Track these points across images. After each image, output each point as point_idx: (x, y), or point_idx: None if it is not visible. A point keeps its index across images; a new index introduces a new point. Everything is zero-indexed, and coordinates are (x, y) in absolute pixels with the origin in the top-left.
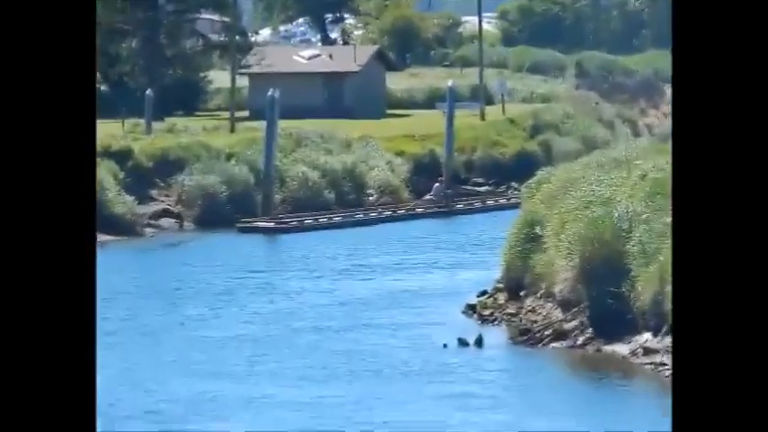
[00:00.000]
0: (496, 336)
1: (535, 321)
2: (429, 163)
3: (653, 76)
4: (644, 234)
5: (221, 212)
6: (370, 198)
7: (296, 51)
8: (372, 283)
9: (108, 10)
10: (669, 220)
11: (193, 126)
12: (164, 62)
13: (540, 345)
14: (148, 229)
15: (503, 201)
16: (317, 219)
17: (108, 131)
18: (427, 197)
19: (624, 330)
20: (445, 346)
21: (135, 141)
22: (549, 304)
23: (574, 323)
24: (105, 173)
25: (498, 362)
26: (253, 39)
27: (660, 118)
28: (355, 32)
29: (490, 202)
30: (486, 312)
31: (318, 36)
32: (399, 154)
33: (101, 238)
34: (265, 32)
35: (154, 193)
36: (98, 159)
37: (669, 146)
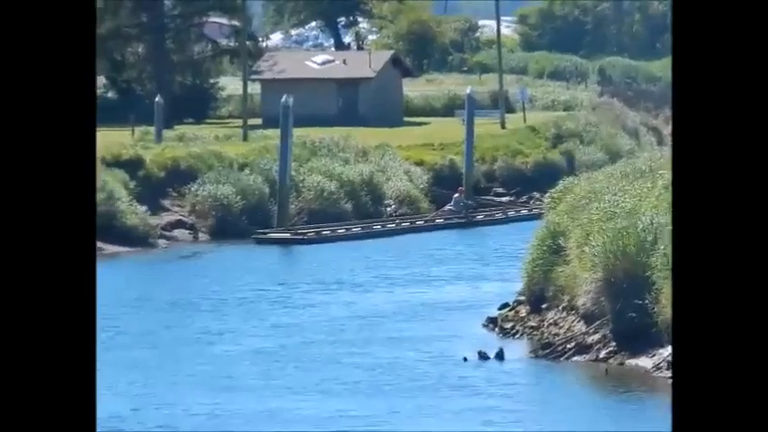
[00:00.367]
0: (518, 349)
1: (557, 334)
2: (448, 173)
3: None
4: (669, 246)
5: (236, 223)
6: (389, 209)
7: (308, 56)
8: (391, 296)
9: (112, 13)
10: None
11: (204, 134)
12: (172, 68)
13: (562, 358)
14: (161, 241)
15: (524, 211)
16: (334, 230)
17: (117, 140)
18: (447, 208)
19: (648, 344)
20: (465, 359)
21: (145, 150)
22: (572, 317)
23: (597, 336)
24: (116, 183)
25: (519, 376)
26: (263, 44)
27: None
28: (369, 37)
29: (511, 213)
30: (508, 325)
31: (331, 41)
32: (418, 163)
33: (113, 249)
34: (276, 37)
35: (166, 203)
36: (108, 169)
37: None
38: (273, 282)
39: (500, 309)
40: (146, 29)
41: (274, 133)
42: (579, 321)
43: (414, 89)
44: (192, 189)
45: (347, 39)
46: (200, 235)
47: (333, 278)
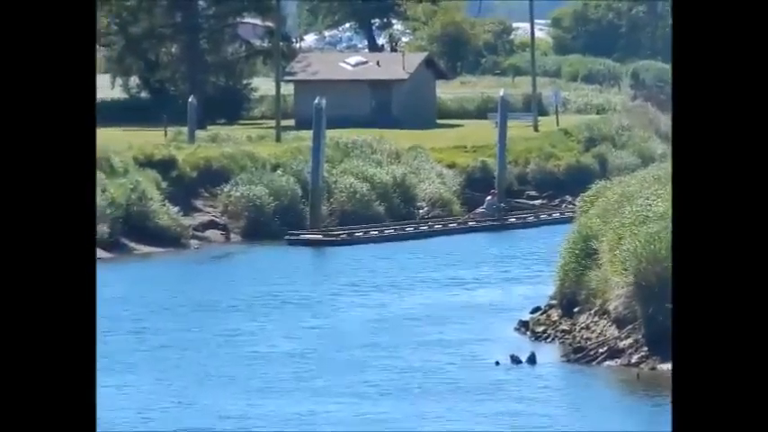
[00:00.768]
0: (549, 353)
1: (589, 339)
2: (481, 175)
3: None
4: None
5: (268, 224)
6: (421, 211)
7: (342, 58)
8: (423, 298)
9: (146, 13)
10: None
11: (237, 135)
12: (205, 68)
13: (594, 363)
14: (194, 241)
15: (556, 215)
16: (366, 231)
17: (150, 139)
18: (479, 210)
19: None
20: (497, 363)
21: (178, 150)
22: (604, 321)
23: (629, 341)
24: (148, 182)
25: (551, 380)
26: (297, 45)
27: None
28: (403, 39)
29: (544, 216)
30: (540, 329)
31: (365, 42)
32: (451, 166)
33: (145, 249)
34: (310, 38)
35: (199, 203)
36: (140, 168)
37: None
38: (305, 283)
39: (532, 312)
40: (180, 29)
41: (307, 134)
42: (611, 325)
43: (447, 91)
44: (225, 190)
45: (381, 40)
46: (233, 236)
47: (364, 280)
